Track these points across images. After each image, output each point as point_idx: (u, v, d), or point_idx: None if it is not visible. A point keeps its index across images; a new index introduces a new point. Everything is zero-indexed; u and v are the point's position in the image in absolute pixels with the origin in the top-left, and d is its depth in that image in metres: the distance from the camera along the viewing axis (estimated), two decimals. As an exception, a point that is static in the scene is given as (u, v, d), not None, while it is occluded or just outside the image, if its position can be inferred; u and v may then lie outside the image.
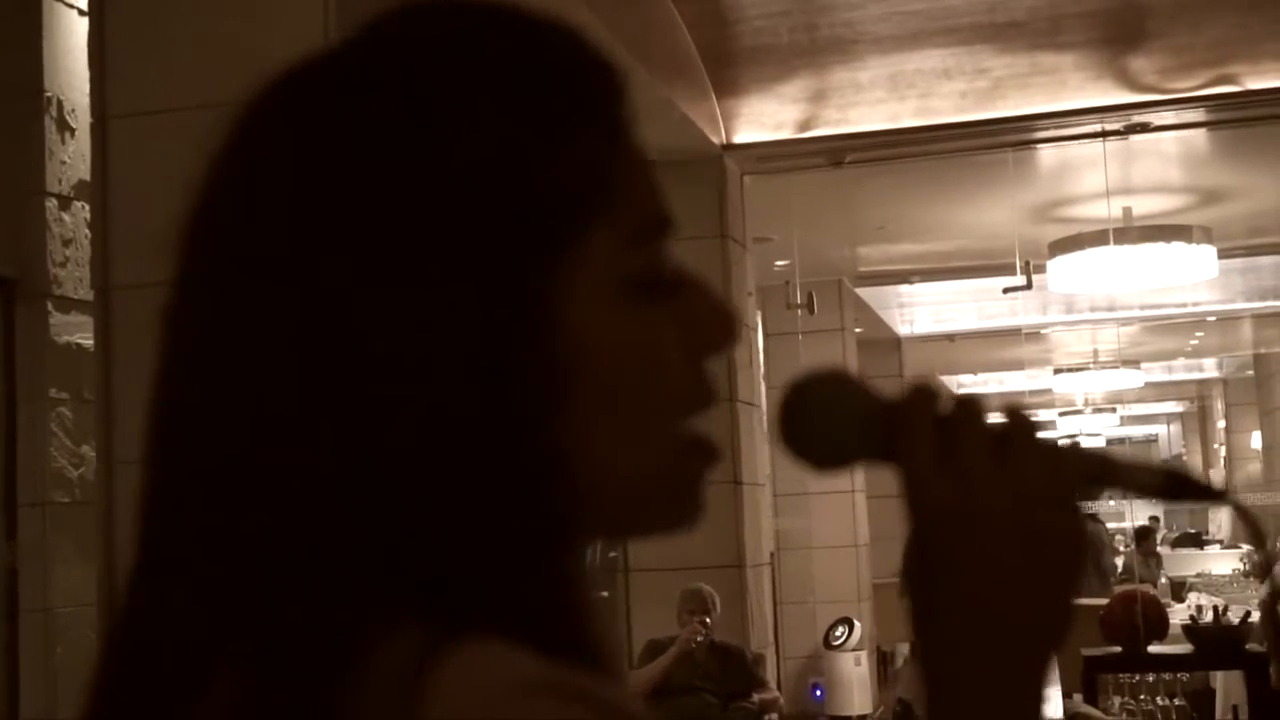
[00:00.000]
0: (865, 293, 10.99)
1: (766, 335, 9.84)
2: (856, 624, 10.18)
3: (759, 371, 6.96)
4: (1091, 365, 14.80)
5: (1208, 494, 0.79)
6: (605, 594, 8.62)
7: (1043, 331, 13.44)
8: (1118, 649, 7.43)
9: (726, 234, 6.75)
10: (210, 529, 0.63)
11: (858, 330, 11.23)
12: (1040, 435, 0.74)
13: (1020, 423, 0.73)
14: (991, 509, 0.72)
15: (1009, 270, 8.06)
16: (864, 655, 10.30)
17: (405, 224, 0.64)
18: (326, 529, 0.61)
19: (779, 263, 8.75)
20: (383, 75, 0.67)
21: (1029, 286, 7.72)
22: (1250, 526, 0.78)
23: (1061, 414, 22.55)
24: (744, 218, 7.05)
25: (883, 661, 11.19)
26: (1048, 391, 17.44)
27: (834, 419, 0.76)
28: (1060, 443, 0.75)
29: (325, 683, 0.58)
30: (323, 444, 0.62)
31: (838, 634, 10.22)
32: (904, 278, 10.45)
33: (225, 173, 0.68)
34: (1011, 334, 12.84)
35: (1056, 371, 15.47)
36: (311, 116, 0.67)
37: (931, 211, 8.49)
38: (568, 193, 0.67)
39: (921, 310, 12.39)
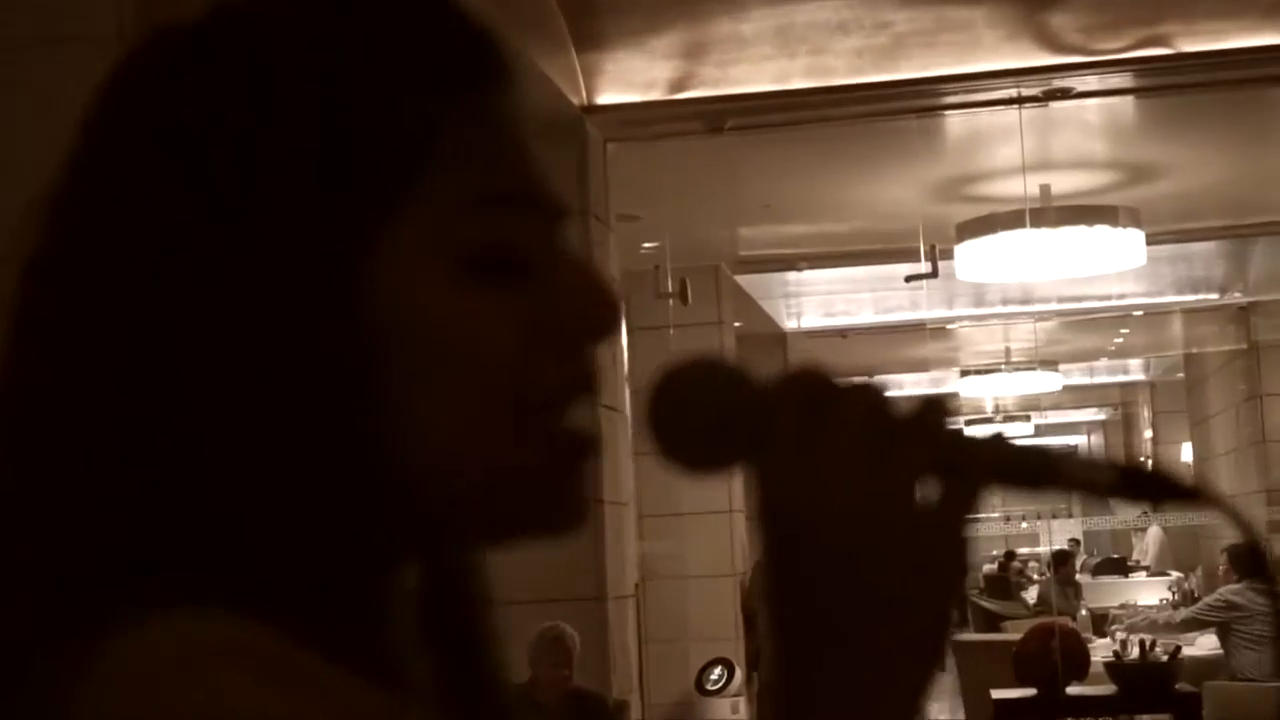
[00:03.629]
0: (746, 280, 11.07)
1: (631, 329, 9.87)
2: (735, 665, 10.26)
3: (623, 371, 6.97)
4: (1003, 366, 15.07)
5: (1174, 491, 0.77)
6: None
7: (948, 327, 13.66)
8: (1032, 691, 7.58)
9: (586, 210, 6.76)
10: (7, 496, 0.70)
11: (737, 324, 11.31)
12: (949, 428, 0.75)
13: (925, 412, 0.75)
14: (852, 511, 0.73)
15: (912, 256, 8.19)
16: (743, 702, 10.37)
17: (221, 194, 0.69)
18: (114, 510, 0.68)
19: (647, 244, 8.78)
20: (219, 42, 0.73)
21: (935, 274, 7.85)
22: (1238, 523, 0.78)
23: (969, 422, 22.92)
24: (607, 191, 7.07)
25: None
26: (953, 396, 17.68)
27: (709, 413, 0.76)
28: (978, 435, 0.76)
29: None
30: (131, 419, 0.68)
31: (714, 677, 10.29)
32: (791, 264, 10.55)
33: (77, 144, 0.75)
34: (914, 329, 13.03)
35: (964, 373, 15.73)
36: (137, 91, 0.74)
37: (824, 187, 8.58)
38: (388, 157, 0.71)
39: (811, 301, 12.52)
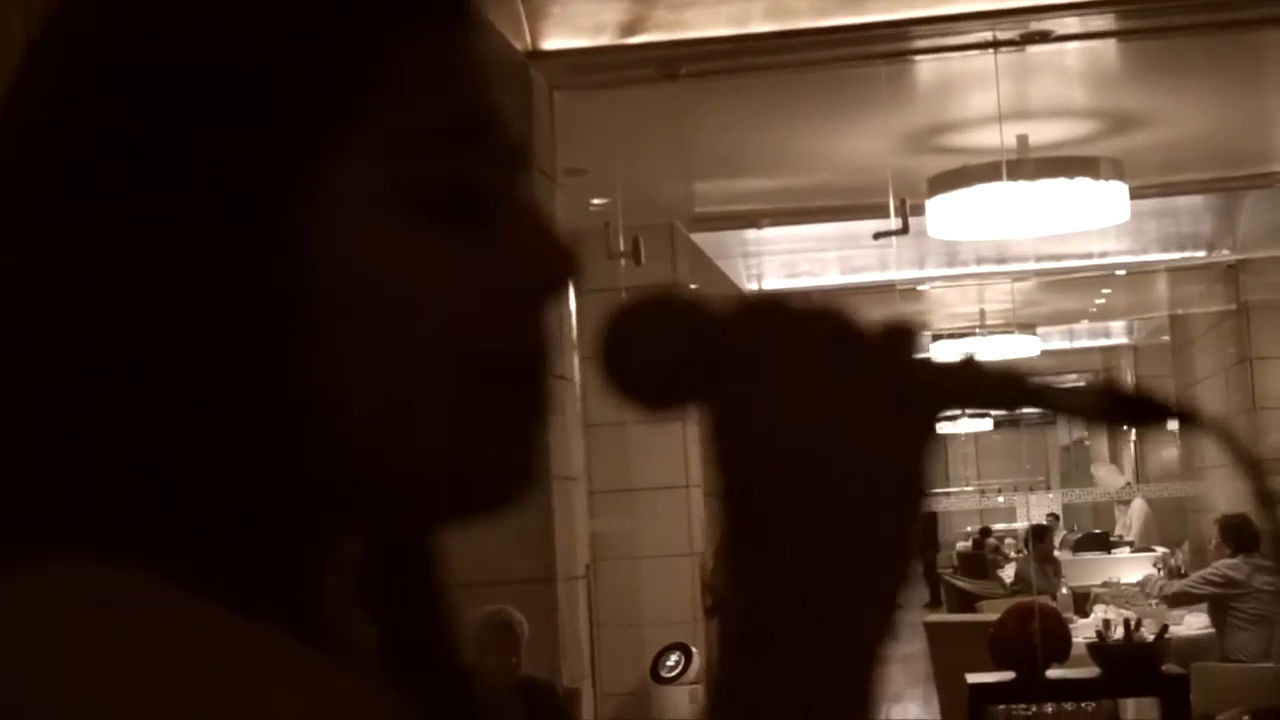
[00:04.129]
0: (704, 239, 11.07)
1: (581, 292, 9.82)
2: (694, 651, 10.29)
3: (571, 336, 6.97)
4: (978, 329, 15.12)
5: (1160, 412, 0.77)
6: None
7: (920, 288, 13.70)
8: (1010, 675, 7.64)
9: (531, 164, 6.74)
10: None
11: (693, 286, 11.32)
12: (911, 348, 0.76)
13: (889, 335, 0.76)
14: (811, 439, 0.74)
15: (881, 212, 8.20)
16: (701, 689, 10.40)
17: (147, 125, 0.70)
18: (14, 454, 0.69)
19: (596, 201, 8.77)
20: None
21: (905, 231, 7.86)
22: (1236, 451, 0.76)
23: (941, 389, 22.79)
24: (554, 144, 7.07)
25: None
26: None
27: (666, 347, 0.77)
28: (947, 360, 0.77)
29: None
30: (43, 360, 0.69)
31: (670, 664, 10.32)
32: (751, 221, 10.55)
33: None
34: (883, 291, 13.05)
35: (936, 337, 15.76)
36: (69, 22, 0.75)
37: (786, 139, 8.59)
38: (327, 86, 0.71)
39: (773, 261, 12.54)
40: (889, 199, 7.91)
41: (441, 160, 0.74)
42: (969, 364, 0.78)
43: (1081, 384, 0.78)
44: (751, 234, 11.15)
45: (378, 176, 0.72)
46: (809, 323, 0.75)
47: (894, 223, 7.81)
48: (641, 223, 9.16)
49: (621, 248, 8.18)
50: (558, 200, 7.07)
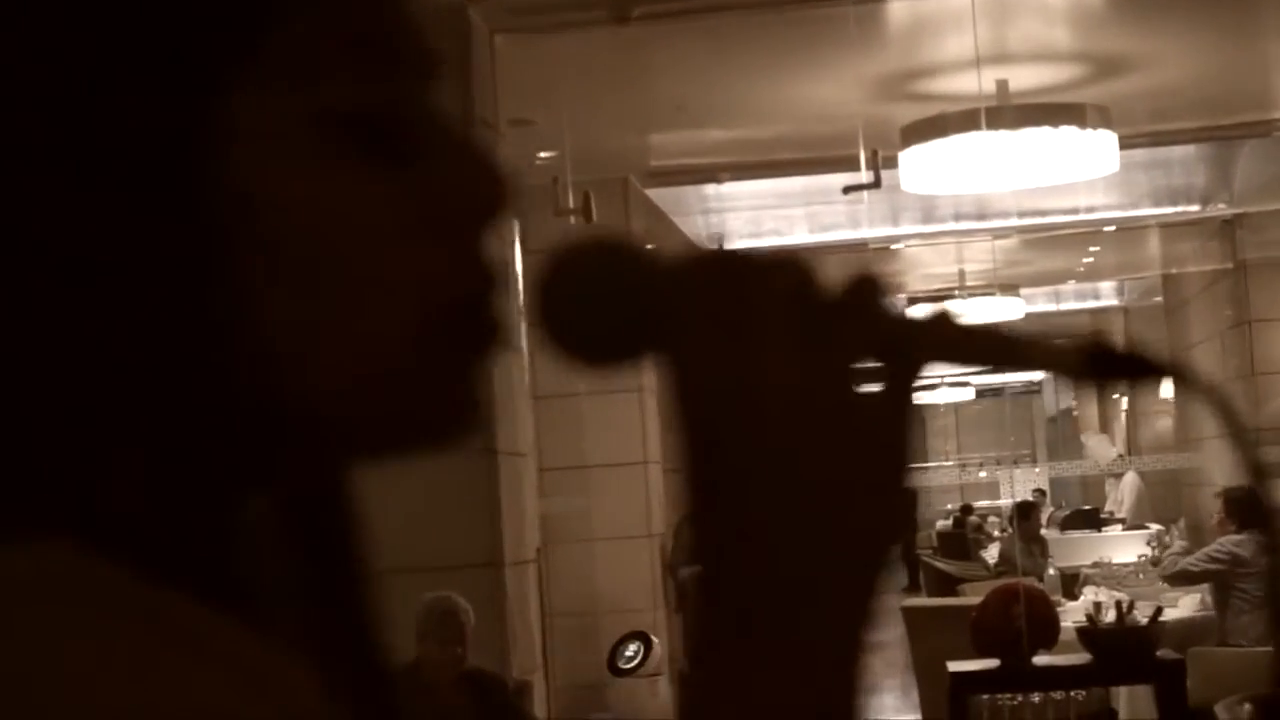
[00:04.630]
0: (659, 194, 11.10)
1: (528, 252, 9.83)
2: (654, 640, 10.32)
3: (517, 301, 6.97)
4: (957, 291, 15.19)
5: (1150, 368, 0.78)
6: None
7: (894, 247, 13.74)
8: (994, 662, 7.67)
9: (470, 114, 6.73)
10: None
11: (649, 246, 11.33)
12: (882, 302, 0.76)
13: (858, 288, 0.76)
14: (782, 399, 0.75)
15: (850, 165, 8.20)
16: (663, 681, 10.44)
17: (33, 81, 0.69)
18: None
19: (543, 154, 8.77)
20: None
21: (877, 185, 7.87)
22: (1228, 418, 0.76)
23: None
24: (495, 92, 7.06)
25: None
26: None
27: (613, 296, 0.77)
28: (912, 313, 0.77)
29: None
30: None
31: (629, 654, 10.34)
32: (711, 175, 10.58)
33: None
34: (854, 249, 13.09)
35: (912, 300, 15.78)
36: None
37: (747, 86, 8.59)
38: (215, 13, 0.71)
39: (735, 218, 12.56)
40: (859, 150, 7.91)
41: (364, 77, 0.74)
42: (943, 318, 0.77)
43: (1066, 341, 0.78)
44: (711, 189, 11.19)
45: (293, 108, 0.72)
46: (773, 276, 0.76)
47: (865, 176, 7.82)
48: (592, 177, 9.16)
49: (571, 204, 8.19)
50: (500, 153, 7.05)
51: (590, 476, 10.45)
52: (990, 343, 0.78)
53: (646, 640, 10.29)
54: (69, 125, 0.69)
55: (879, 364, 0.76)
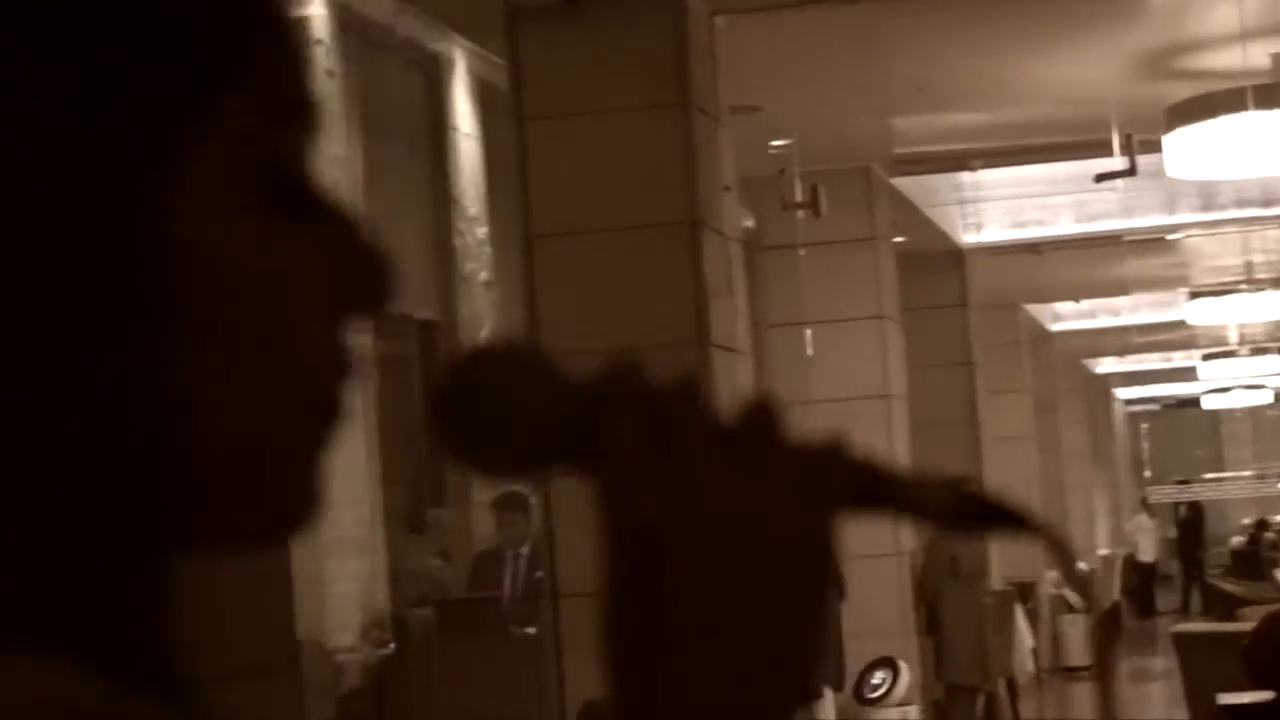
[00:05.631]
0: (908, 184, 11.02)
1: (761, 249, 9.83)
2: (902, 666, 10.28)
3: (741, 303, 6.99)
4: (1244, 285, 14.88)
5: (1011, 520, 0.84)
6: (532, 630, 8.68)
7: (1170, 237, 13.50)
8: (1268, 695, 7.52)
9: (689, 102, 6.76)
10: None
11: (898, 239, 11.25)
12: (787, 434, 0.82)
13: (761, 417, 0.82)
14: (715, 516, 0.81)
15: (1103, 149, 8.10)
16: (913, 711, 10.39)
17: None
18: None
19: (776, 143, 8.77)
20: None
21: (1132, 172, 7.76)
22: (1062, 562, 0.83)
23: (1206, 356, 22.55)
24: (716, 77, 7.06)
25: (941, 717, 11.29)
26: (1180, 325, 17.41)
27: (513, 408, 0.81)
28: (817, 445, 0.82)
29: None
30: None
31: (874, 682, 10.31)
32: (961, 162, 10.48)
33: None
34: (1127, 241, 12.91)
35: (1193, 295, 15.55)
36: None
37: (993, 65, 8.51)
38: (190, 60, 0.74)
39: (993, 209, 12.43)
40: (1113, 134, 7.80)
41: (293, 140, 0.78)
42: (836, 452, 0.82)
43: (943, 480, 0.84)
44: (966, 177, 11.07)
45: (236, 160, 0.75)
46: (692, 393, 0.82)
47: (1118, 162, 7.71)
48: (831, 167, 9.15)
49: (796, 196, 8.17)
50: (724, 144, 7.07)
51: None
52: (874, 483, 0.83)
53: (894, 667, 10.27)
54: (18, 154, 0.72)
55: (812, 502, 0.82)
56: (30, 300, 0.71)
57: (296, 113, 0.79)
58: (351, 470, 8.51)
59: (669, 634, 0.81)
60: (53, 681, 0.68)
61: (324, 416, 0.79)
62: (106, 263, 0.72)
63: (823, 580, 0.83)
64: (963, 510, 0.83)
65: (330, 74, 8.50)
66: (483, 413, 0.82)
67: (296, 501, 0.79)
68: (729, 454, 0.81)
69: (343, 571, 8.66)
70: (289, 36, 0.80)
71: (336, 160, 8.20)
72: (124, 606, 0.73)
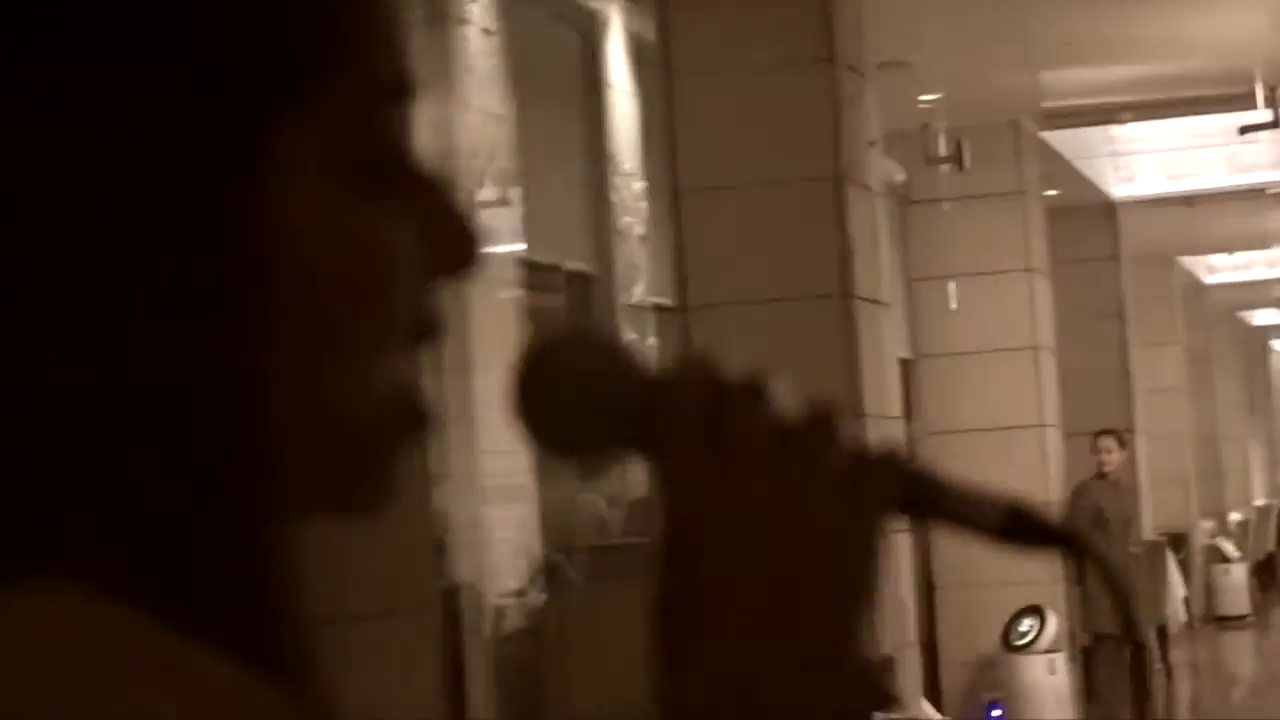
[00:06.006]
0: (1057, 137, 10.97)
1: (911, 203, 9.79)
2: (1049, 614, 10.26)
3: (886, 256, 7.05)
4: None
5: (1058, 538, 0.86)
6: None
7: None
8: None
9: (834, 58, 6.82)
10: None
11: (1050, 193, 11.17)
12: (842, 438, 0.85)
13: (819, 420, 0.85)
14: (759, 514, 0.84)
15: (1250, 101, 8.05)
16: (1060, 659, 10.37)
17: (76, 108, 0.74)
18: None
19: (925, 98, 8.78)
20: None
21: (1276, 124, 7.73)
22: (1111, 584, 0.87)
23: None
24: (859, 32, 7.09)
25: (1088, 665, 11.23)
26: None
27: (585, 394, 0.85)
28: (872, 451, 0.85)
29: None
30: None
31: (1022, 629, 10.28)
32: (1111, 115, 10.41)
33: None
34: (1271, 194, 12.76)
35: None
36: None
37: (1141, 18, 8.48)
38: (282, 43, 0.77)
39: (1144, 161, 12.36)
40: (1257, 86, 7.78)
41: (385, 121, 0.79)
42: (889, 460, 0.84)
43: (996, 497, 0.85)
44: (1116, 130, 11.00)
45: (332, 141, 0.77)
46: (755, 391, 0.84)
47: (1262, 114, 7.69)
48: (979, 122, 9.14)
49: (942, 151, 8.15)
50: (869, 99, 7.11)
51: (980, 440, 10.43)
52: (924, 493, 0.85)
53: (1042, 615, 10.27)
54: (117, 141, 0.73)
55: (861, 503, 0.84)
56: (146, 290, 0.72)
57: (390, 90, 0.80)
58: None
59: (710, 628, 0.83)
60: (70, 608, 0.69)
61: (400, 399, 0.80)
62: (205, 250, 0.73)
63: (865, 583, 0.84)
64: (1013, 529, 0.84)
65: (487, 32, 8.61)
66: (557, 397, 0.84)
67: (387, 473, 0.80)
68: (783, 454, 0.83)
69: (504, 517, 8.78)
70: (380, 13, 0.80)
71: (493, 117, 8.31)
72: (225, 569, 0.74)
